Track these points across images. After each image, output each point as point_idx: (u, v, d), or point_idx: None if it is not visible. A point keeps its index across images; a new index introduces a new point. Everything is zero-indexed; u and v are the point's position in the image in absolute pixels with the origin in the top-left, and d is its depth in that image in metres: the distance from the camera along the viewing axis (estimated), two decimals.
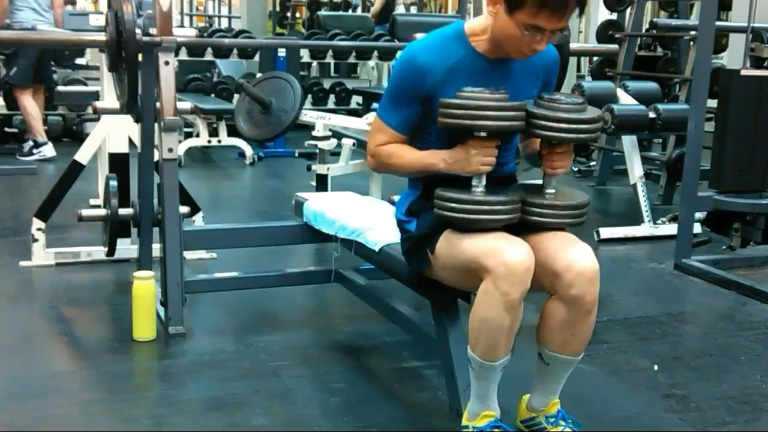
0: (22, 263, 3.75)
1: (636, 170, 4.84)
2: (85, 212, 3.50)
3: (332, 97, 8.80)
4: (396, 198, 2.40)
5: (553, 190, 2.13)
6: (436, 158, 2.11)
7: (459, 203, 2.04)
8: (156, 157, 3.23)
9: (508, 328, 1.99)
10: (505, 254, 1.95)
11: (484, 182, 2.07)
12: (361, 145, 4.63)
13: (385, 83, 8.61)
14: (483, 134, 2.02)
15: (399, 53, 2.29)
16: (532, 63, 2.16)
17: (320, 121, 4.63)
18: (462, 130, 2.03)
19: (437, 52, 2.11)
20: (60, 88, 6.76)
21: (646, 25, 7.01)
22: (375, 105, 5.65)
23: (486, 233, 2.03)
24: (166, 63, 3.01)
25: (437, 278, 2.22)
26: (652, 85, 5.22)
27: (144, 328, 2.90)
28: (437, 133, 2.13)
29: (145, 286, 2.92)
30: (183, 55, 7.33)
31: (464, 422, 2.17)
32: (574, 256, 2.03)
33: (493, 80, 2.08)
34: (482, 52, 2.12)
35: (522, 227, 2.09)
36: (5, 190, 5.54)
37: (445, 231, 2.12)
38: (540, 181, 2.18)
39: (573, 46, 4.07)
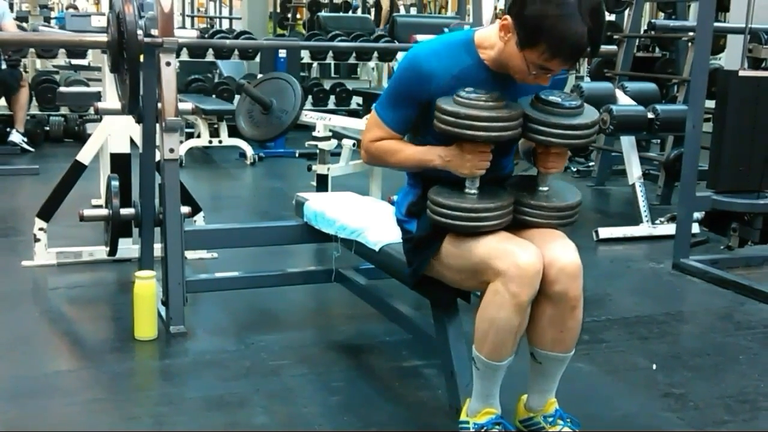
0: (24, 263, 3.77)
1: (634, 170, 4.85)
2: (87, 212, 3.50)
3: (332, 98, 8.82)
4: (396, 198, 2.41)
5: (546, 188, 2.15)
6: (432, 154, 2.11)
7: (450, 210, 2.06)
8: (157, 158, 3.24)
9: (516, 329, 2.02)
10: (516, 257, 1.97)
11: (477, 184, 2.08)
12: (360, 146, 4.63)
13: (385, 84, 8.62)
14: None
15: (401, 54, 2.28)
16: None
17: (320, 121, 4.64)
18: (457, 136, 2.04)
19: (444, 58, 2.08)
20: (62, 89, 6.74)
21: (644, 26, 7.03)
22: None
23: (493, 235, 2.05)
24: (168, 64, 3.02)
25: (439, 277, 2.23)
26: (650, 86, 5.23)
27: (145, 327, 2.91)
28: (435, 133, 2.12)
29: (146, 285, 2.93)
30: (184, 56, 7.35)
31: (463, 417, 2.19)
32: (555, 253, 2.05)
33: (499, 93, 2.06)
34: (490, 65, 2.09)
35: (510, 223, 2.11)
36: (7, 190, 5.55)
37: (449, 233, 2.14)
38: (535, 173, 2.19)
39: None
